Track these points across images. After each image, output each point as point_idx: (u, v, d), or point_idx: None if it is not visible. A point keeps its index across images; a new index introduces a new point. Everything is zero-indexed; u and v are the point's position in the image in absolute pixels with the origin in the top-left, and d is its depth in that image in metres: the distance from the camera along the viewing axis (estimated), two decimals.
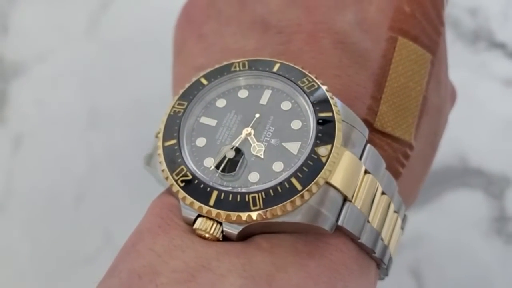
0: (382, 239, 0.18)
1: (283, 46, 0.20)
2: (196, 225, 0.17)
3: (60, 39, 0.44)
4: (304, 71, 0.18)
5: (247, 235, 0.17)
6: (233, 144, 0.18)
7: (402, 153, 0.20)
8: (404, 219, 0.20)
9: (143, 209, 0.36)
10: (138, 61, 0.44)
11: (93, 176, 0.39)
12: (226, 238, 0.17)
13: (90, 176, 0.39)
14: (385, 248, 0.19)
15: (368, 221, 0.18)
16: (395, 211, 0.19)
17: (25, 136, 0.41)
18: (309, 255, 0.17)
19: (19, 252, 0.37)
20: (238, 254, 0.16)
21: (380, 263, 0.19)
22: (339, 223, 0.17)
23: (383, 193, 0.18)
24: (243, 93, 0.19)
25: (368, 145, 0.18)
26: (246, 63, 0.19)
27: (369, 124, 0.19)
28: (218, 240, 0.17)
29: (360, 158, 0.18)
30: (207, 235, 0.17)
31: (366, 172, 0.18)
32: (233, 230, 0.17)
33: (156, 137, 0.19)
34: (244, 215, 0.16)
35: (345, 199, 0.17)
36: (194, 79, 0.19)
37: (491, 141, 0.38)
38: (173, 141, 0.18)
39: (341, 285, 0.17)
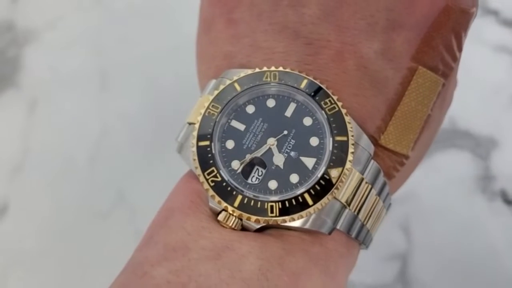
0: (367, 229, 0.21)
1: (310, 57, 0.21)
2: (220, 218, 0.19)
3: (69, 7, 0.46)
4: (328, 92, 0.20)
5: (261, 229, 0.20)
6: (257, 155, 0.20)
7: (399, 162, 0.22)
8: (388, 207, 0.23)
9: (154, 169, 0.39)
10: (145, 27, 0.45)
11: (106, 137, 0.41)
12: (244, 229, 0.19)
13: (103, 137, 0.41)
14: (368, 232, 0.21)
15: (359, 219, 0.20)
16: (382, 205, 0.22)
17: (39, 100, 0.43)
18: (311, 243, 0.19)
19: (39, 209, 0.39)
20: (256, 238, 0.19)
21: (362, 244, 0.22)
22: (336, 226, 0.20)
23: (375, 194, 0.21)
24: (270, 103, 0.20)
25: (372, 161, 0.20)
26: (277, 74, 0.20)
27: (374, 139, 0.21)
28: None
29: (363, 172, 0.20)
30: (227, 227, 0.19)
31: (365, 182, 0.20)
32: (251, 226, 0.19)
33: (189, 124, 0.21)
34: (261, 219, 0.19)
35: (344, 206, 0.20)
36: (228, 83, 0.21)
37: (479, 104, 0.40)
38: (206, 143, 0.20)
39: (333, 266, 0.20)
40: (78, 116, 0.42)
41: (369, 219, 0.21)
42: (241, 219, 0.19)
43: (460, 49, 0.22)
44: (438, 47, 0.21)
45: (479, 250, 0.36)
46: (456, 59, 0.22)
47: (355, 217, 0.20)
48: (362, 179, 0.20)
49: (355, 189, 0.20)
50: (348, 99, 0.20)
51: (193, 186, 0.20)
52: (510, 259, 0.36)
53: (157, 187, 0.38)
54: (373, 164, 0.20)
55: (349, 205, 0.20)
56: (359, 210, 0.20)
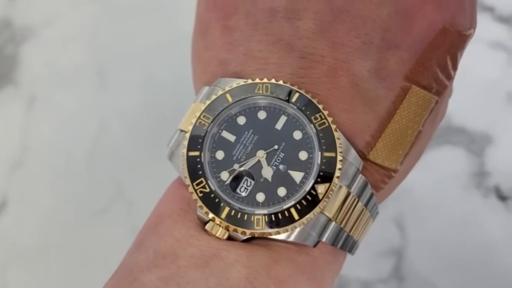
0: (353, 238, 0.21)
1: (303, 71, 0.21)
2: (207, 227, 0.19)
3: (66, 3, 0.46)
4: (319, 107, 0.20)
5: (248, 240, 0.20)
6: (246, 168, 0.20)
7: (387, 176, 0.22)
8: (375, 216, 0.23)
9: (152, 165, 0.39)
10: (142, 23, 0.45)
11: (104, 134, 0.41)
12: (230, 239, 0.20)
13: (101, 134, 0.41)
14: (355, 242, 0.21)
15: (344, 230, 0.21)
16: (369, 215, 0.22)
17: (38, 97, 0.43)
18: (297, 252, 0.20)
19: (37, 205, 0.40)
20: (243, 247, 0.19)
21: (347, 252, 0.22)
22: (322, 239, 0.20)
23: (362, 205, 0.21)
24: (261, 115, 0.21)
25: (360, 175, 0.20)
26: (269, 87, 0.20)
27: (363, 154, 0.21)
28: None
29: (350, 186, 0.20)
30: (215, 236, 0.19)
31: (352, 196, 0.20)
32: (238, 237, 0.20)
33: (180, 130, 0.21)
34: (248, 232, 0.19)
35: (329, 219, 0.20)
36: (220, 93, 0.21)
37: (474, 101, 0.40)
38: (196, 153, 0.20)
39: (319, 273, 0.20)
40: (76, 112, 0.42)
41: (355, 229, 0.21)
42: (228, 230, 0.19)
43: (455, 68, 0.22)
44: (433, 67, 0.21)
45: (473, 246, 0.37)
46: (450, 78, 0.22)
47: (340, 229, 0.20)
48: (349, 193, 0.20)
49: (341, 204, 0.20)
50: (339, 114, 0.20)
51: (182, 193, 0.21)
52: (505, 255, 0.36)
53: (155, 183, 0.38)
54: (360, 178, 0.21)
55: (335, 219, 0.20)
56: (346, 223, 0.20)
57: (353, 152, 0.20)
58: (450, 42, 0.21)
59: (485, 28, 0.42)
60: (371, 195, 0.21)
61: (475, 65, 0.40)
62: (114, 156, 0.41)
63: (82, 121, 0.42)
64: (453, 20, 0.21)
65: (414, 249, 0.37)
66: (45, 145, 0.41)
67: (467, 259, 0.36)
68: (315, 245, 0.20)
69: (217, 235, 0.19)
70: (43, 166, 0.41)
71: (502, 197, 0.37)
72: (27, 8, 0.46)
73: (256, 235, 0.19)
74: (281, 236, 0.19)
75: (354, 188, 0.20)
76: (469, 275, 0.36)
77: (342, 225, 0.20)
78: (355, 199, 0.20)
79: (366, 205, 0.21)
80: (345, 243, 0.21)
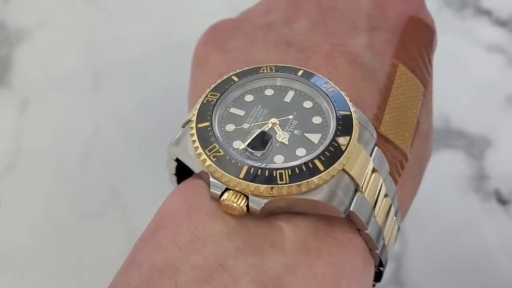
0: (383, 238, 0.20)
1: (303, 61, 0.22)
2: (224, 197, 0.18)
3: (60, 5, 0.46)
4: (324, 78, 0.21)
5: (269, 212, 0.18)
6: (261, 129, 0.19)
7: (400, 162, 0.21)
8: (398, 229, 0.22)
9: (146, 168, 0.38)
10: (137, 26, 0.45)
11: (98, 136, 0.41)
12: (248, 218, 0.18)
13: (95, 136, 0.41)
14: (384, 247, 0.20)
15: (374, 216, 0.19)
16: (394, 216, 0.21)
17: (31, 99, 0.42)
18: (317, 252, 0.17)
19: (31, 208, 0.39)
20: (254, 253, 0.17)
21: (377, 263, 0.20)
22: (351, 208, 0.18)
23: (385, 195, 0.20)
24: (269, 92, 0.21)
25: (376, 147, 0.20)
26: (273, 67, 0.21)
27: (375, 128, 0.21)
28: (243, 213, 0.18)
29: (371, 155, 0.20)
30: (234, 205, 0.17)
31: (373, 170, 0.19)
32: (257, 206, 0.17)
33: (183, 127, 0.20)
34: (271, 187, 0.17)
35: (356, 189, 0.19)
36: (225, 76, 0.21)
37: (473, 104, 0.40)
38: (206, 124, 0.19)
39: (344, 283, 0.17)
40: (70, 115, 0.42)
41: (385, 224, 0.20)
42: (247, 197, 0.18)
43: (430, 63, 0.24)
44: (412, 51, 0.24)
45: (473, 251, 0.36)
46: (429, 73, 0.24)
47: (371, 208, 0.19)
48: (371, 164, 0.19)
49: (366, 172, 0.19)
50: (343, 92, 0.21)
51: (189, 183, 0.19)
52: (504, 259, 0.36)
53: (150, 186, 0.38)
54: (378, 151, 0.20)
55: (361, 188, 0.19)
56: (374, 203, 0.19)
57: (369, 122, 0.20)
58: (419, 30, 0.24)
59: (482, 32, 0.42)
60: (396, 191, 0.20)
61: (474, 68, 0.40)
62: (108, 160, 0.40)
63: (76, 124, 0.41)
64: (417, 12, 0.25)
65: (414, 254, 0.36)
66: (39, 147, 0.41)
67: (467, 264, 0.36)
68: (345, 212, 0.18)
69: (237, 202, 0.17)
70: (36, 168, 0.40)
71: (502, 201, 0.37)
72: (21, 10, 0.45)
73: (282, 193, 0.17)
74: (316, 197, 0.18)
75: (374, 158, 0.20)
76: (470, 281, 0.35)
77: (368, 199, 0.19)
78: (378, 176, 0.19)
79: (393, 199, 0.20)
80: (378, 237, 0.19)
